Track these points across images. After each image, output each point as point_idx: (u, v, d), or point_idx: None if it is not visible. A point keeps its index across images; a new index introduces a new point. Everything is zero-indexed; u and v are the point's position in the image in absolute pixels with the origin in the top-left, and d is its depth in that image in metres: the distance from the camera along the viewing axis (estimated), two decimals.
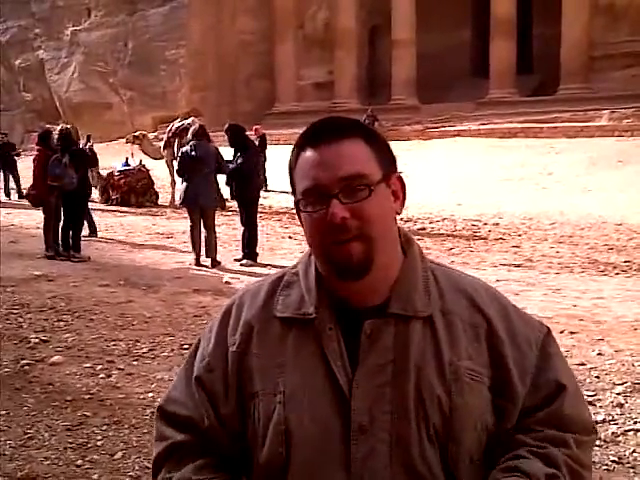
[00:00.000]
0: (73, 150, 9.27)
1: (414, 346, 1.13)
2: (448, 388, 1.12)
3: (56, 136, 9.37)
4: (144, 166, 15.43)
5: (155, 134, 21.97)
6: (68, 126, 9.85)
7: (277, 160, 16.46)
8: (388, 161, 1.17)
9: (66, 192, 9.03)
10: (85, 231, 10.28)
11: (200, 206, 8.73)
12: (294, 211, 1.18)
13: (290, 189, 1.20)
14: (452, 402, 1.11)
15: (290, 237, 10.78)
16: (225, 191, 12.02)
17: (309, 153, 1.14)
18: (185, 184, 8.85)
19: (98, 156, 13.58)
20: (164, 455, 1.24)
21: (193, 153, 8.73)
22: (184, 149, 9.24)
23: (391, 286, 1.16)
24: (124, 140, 17.91)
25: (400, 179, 1.20)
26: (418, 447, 1.10)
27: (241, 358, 1.19)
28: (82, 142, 12.14)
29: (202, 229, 8.80)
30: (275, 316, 1.19)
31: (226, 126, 9.41)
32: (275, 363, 1.16)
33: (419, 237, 10.24)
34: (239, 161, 8.83)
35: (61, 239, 9.25)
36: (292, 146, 1.20)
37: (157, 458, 1.25)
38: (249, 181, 8.86)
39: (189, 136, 9.60)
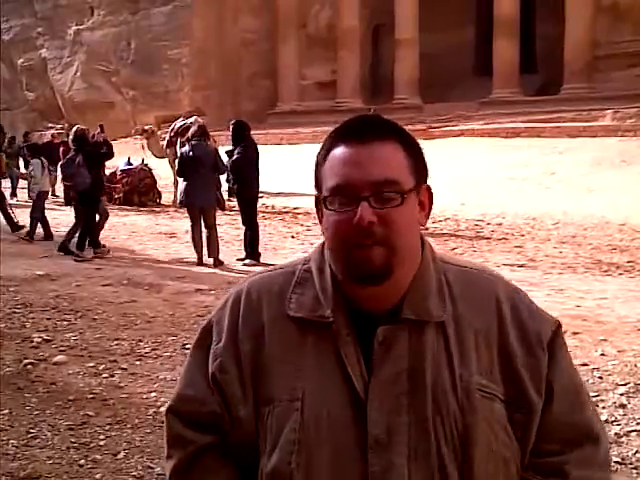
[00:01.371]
0: (87, 150, 9.38)
1: (429, 354, 1.09)
2: (460, 402, 1.07)
3: (70, 137, 9.44)
4: (146, 165, 15.45)
5: (158, 133, 21.93)
6: (83, 127, 10.00)
7: (279, 160, 16.47)
8: (421, 170, 1.13)
9: (80, 191, 9.15)
10: None
11: (199, 206, 8.74)
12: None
13: (314, 185, 1.15)
14: (464, 418, 1.07)
15: (293, 237, 10.79)
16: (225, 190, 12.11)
17: (343, 150, 1.09)
18: (184, 184, 8.88)
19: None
20: (189, 461, 1.16)
21: (191, 153, 8.76)
22: (183, 149, 9.28)
23: (405, 289, 1.11)
24: (132, 131, 17.88)
25: (429, 190, 1.16)
26: (437, 460, 1.06)
27: (255, 360, 1.13)
28: (97, 132, 12.13)
29: (203, 229, 8.81)
30: (288, 315, 1.14)
31: (232, 123, 9.37)
32: (293, 367, 1.11)
33: None
34: (235, 156, 8.85)
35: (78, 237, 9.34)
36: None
37: (180, 464, 1.17)
38: (247, 178, 8.80)
39: (188, 136, 9.62)
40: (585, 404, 1.17)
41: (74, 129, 9.68)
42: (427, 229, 11.10)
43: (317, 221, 1.18)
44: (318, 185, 1.13)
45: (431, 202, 1.17)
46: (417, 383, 1.07)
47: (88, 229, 9.33)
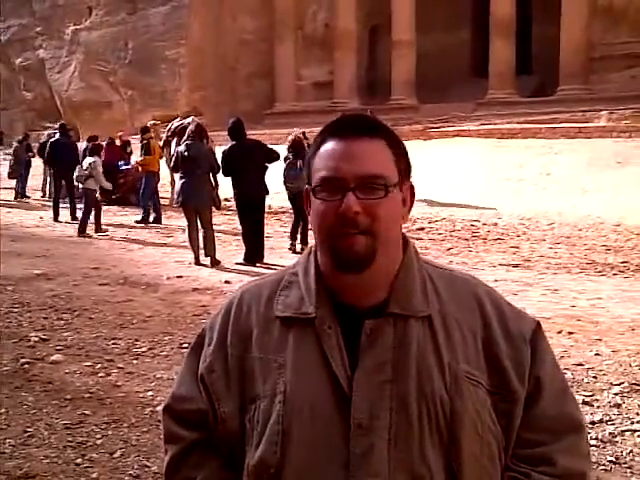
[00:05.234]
0: (304, 155, 9.55)
1: (414, 345, 1.14)
2: (448, 388, 1.12)
3: (288, 144, 9.96)
4: None
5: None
6: (300, 135, 10.44)
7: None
8: (404, 169, 1.20)
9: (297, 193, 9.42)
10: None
11: (194, 206, 8.73)
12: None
13: (306, 177, 1.22)
14: (452, 404, 1.12)
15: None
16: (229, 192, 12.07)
17: (333, 144, 1.16)
18: (180, 184, 8.87)
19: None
20: (180, 456, 1.23)
21: (186, 153, 8.75)
22: (179, 148, 9.27)
23: (389, 286, 1.17)
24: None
25: (411, 188, 1.22)
26: (418, 445, 1.10)
27: (242, 362, 1.20)
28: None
29: (200, 228, 8.80)
30: (276, 316, 1.20)
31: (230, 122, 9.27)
32: (276, 364, 1.16)
33: (418, 237, 10.26)
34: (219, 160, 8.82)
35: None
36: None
37: (172, 460, 1.24)
38: (237, 180, 8.68)
39: (185, 136, 9.58)
40: (569, 396, 1.23)
41: (291, 137, 10.08)
42: (422, 229, 11.14)
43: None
44: (309, 177, 1.20)
45: (413, 199, 1.23)
46: (401, 371, 1.12)
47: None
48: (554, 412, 1.18)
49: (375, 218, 1.12)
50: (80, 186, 11.98)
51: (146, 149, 12.94)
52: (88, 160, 11.76)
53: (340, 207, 1.11)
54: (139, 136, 15.48)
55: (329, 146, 1.16)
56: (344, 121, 1.19)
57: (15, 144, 17.68)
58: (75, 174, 11.95)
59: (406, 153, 1.22)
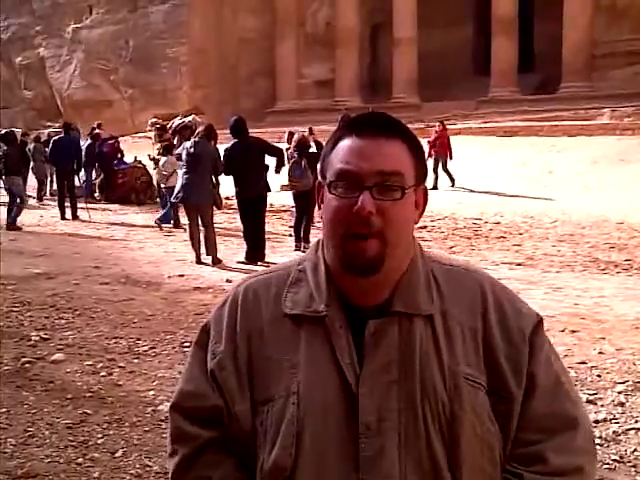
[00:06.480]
0: (311, 153, 9.67)
1: (418, 345, 1.13)
2: (448, 390, 1.11)
3: (293, 143, 10.20)
4: (140, 162, 15.43)
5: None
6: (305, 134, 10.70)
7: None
8: (421, 172, 1.18)
9: (302, 192, 9.45)
10: None
11: (195, 204, 8.73)
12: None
13: (319, 173, 1.20)
14: (452, 406, 1.11)
15: (291, 235, 10.77)
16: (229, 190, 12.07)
17: (352, 140, 1.14)
18: (180, 182, 8.89)
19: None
20: (192, 455, 1.18)
21: (192, 150, 8.77)
22: (186, 144, 9.31)
23: (394, 285, 1.16)
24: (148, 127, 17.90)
25: (425, 191, 1.21)
26: (426, 445, 1.10)
27: (252, 359, 1.17)
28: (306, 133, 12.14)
29: (201, 227, 8.80)
30: (285, 314, 1.18)
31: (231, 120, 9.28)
32: (289, 363, 1.14)
33: (420, 235, 10.24)
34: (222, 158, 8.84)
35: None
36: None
37: (184, 459, 1.19)
38: (240, 178, 8.70)
39: (195, 134, 9.61)
40: (563, 392, 1.19)
41: (296, 137, 10.11)
42: (425, 227, 11.12)
43: (318, 220, 1.20)
44: (323, 173, 1.18)
45: (425, 202, 1.21)
46: (407, 372, 1.11)
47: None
48: (547, 410, 1.16)
49: (388, 220, 1.10)
50: (162, 186, 12.12)
51: (166, 149, 12.96)
52: (163, 159, 11.88)
53: (354, 205, 1.09)
54: (153, 134, 15.50)
55: (348, 142, 1.14)
56: (364, 119, 1.18)
57: (33, 144, 17.13)
58: (155, 177, 12.17)
59: (423, 156, 1.20)
